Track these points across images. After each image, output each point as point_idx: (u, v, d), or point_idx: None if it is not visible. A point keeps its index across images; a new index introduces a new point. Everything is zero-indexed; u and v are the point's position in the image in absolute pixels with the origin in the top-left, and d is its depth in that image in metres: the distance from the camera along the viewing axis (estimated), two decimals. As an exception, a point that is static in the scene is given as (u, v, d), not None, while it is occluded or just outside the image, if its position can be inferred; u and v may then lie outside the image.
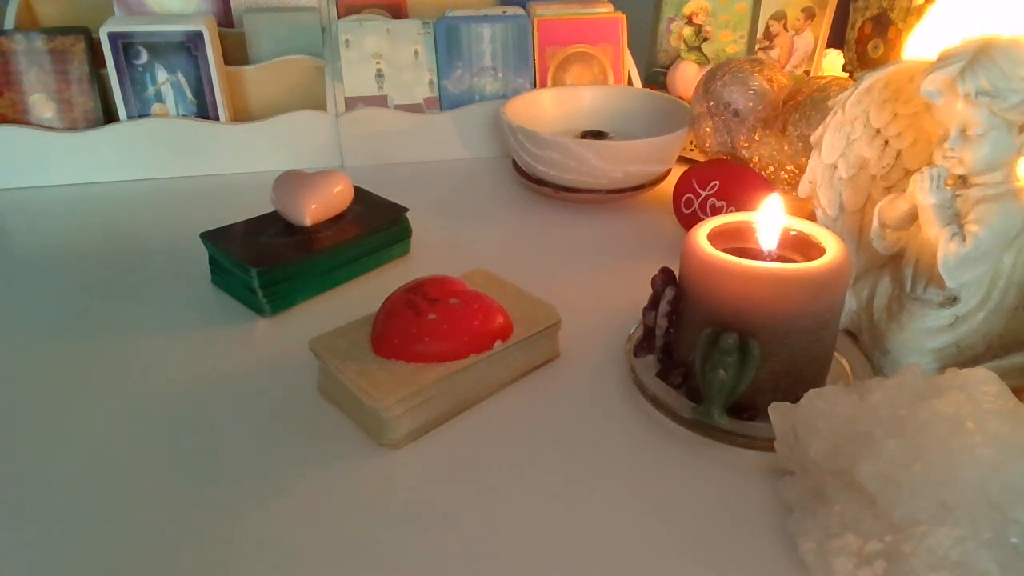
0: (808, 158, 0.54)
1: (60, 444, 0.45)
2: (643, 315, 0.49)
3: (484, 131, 0.88)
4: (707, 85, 0.72)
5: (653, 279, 0.49)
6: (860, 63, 0.97)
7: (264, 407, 0.48)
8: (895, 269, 0.52)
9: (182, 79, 0.80)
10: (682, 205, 0.69)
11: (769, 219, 0.48)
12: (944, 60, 0.45)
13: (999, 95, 0.43)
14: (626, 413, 0.48)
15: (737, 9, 0.93)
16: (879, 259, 0.54)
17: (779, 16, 0.94)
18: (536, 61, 0.88)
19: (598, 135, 0.82)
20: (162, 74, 0.80)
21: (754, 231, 0.48)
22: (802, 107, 0.65)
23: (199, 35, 0.79)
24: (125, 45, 0.78)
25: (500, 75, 0.87)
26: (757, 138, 0.69)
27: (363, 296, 0.60)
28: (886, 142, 0.53)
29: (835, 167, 0.54)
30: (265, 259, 0.57)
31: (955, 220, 0.47)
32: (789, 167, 0.67)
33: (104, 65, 0.78)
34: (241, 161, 0.83)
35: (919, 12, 0.83)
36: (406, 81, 0.86)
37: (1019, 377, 0.46)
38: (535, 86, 0.88)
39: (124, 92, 0.80)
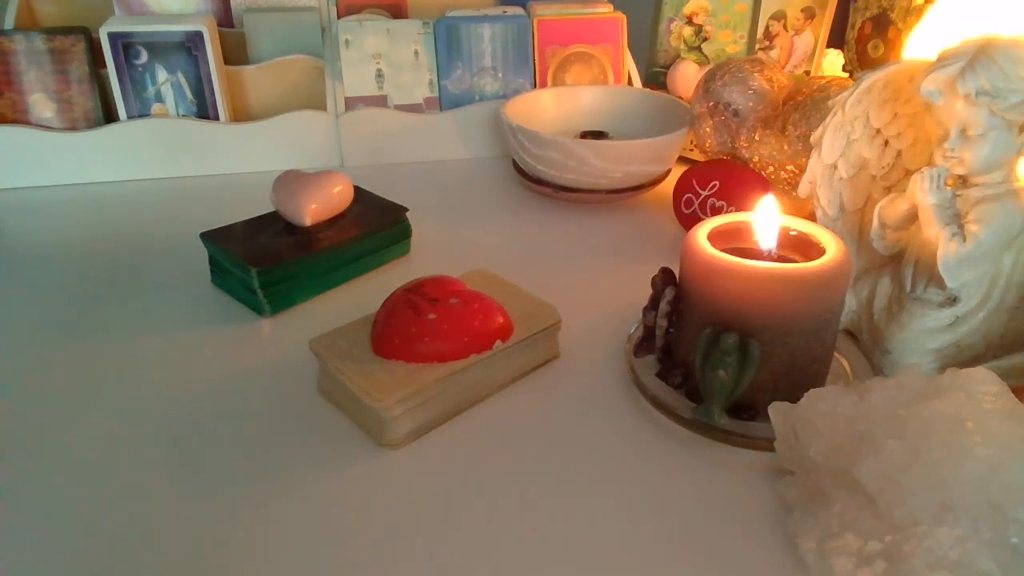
0: (808, 158, 0.54)
1: (60, 444, 0.45)
2: (643, 315, 0.49)
3: (484, 131, 0.88)
4: (707, 85, 0.72)
5: (653, 279, 0.49)
6: (860, 63, 0.97)
7: (264, 407, 0.48)
8: (895, 269, 0.52)
9: (182, 79, 0.80)
10: (682, 205, 0.69)
11: (769, 219, 0.48)
12: (944, 60, 0.45)
13: (999, 95, 0.43)
14: (626, 413, 0.48)
15: (737, 9, 0.93)
16: (879, 259, 0.54)
17: (779, 16, 0.94)
18: (536, 61, 0.88)
19: (598, 135, 0.82)
20: (162, 74, 0.80)
21: (754, 231, 0.48)
22: (802, 107, 0.65)
23: (199, 35, 0.79)
24: (125, 45, 0.78)
25: (500, 75, 0.87)
26: (757, 138, 0.69)
27: (363, 296, 0.60)
28: (886, 142, 0.53)
29: (835, 167, 0.54)
30: (265, 259, 0.57)
31: (955, 220, 0.47)
32: (789, 167, 0.67)
33: (104, 65, 0.78)
34: (241, 161, 0.83)
35: (919, 12, 0.83)
36: (406, 81, 0.86)
37: (1019, 377, 0.46)
38: (535, 86, 0.88)
39: (124, 92, 0.80)
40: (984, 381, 0.38)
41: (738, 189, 0.65)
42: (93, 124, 0.80)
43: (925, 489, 0.34)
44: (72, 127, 0.80)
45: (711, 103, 0.72)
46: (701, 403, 0.45)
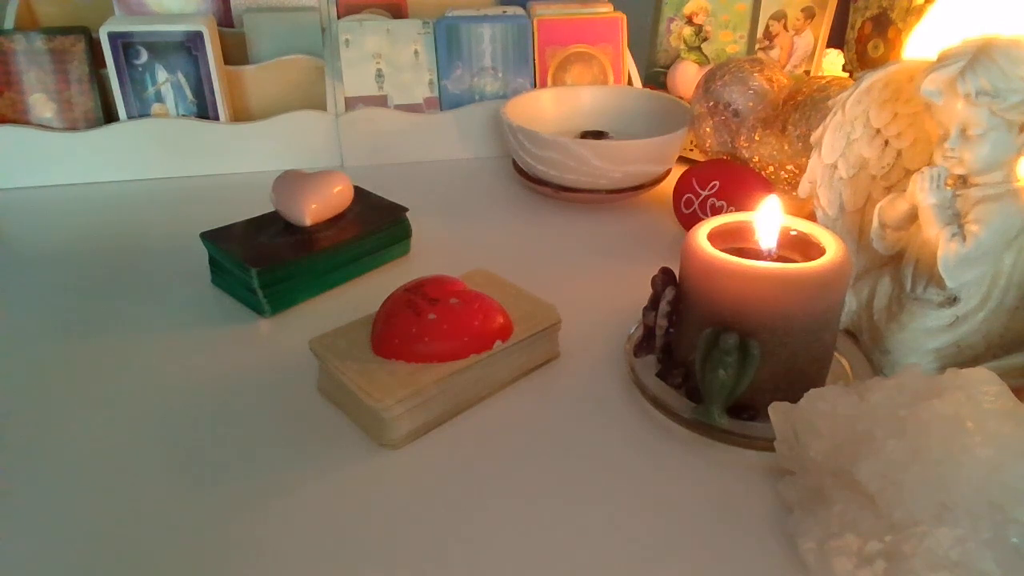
0: (808, 158, 0.54)
1: (59, 444, 0.45)
2: (643, 315, 0.49)
3: (484, 131, 0.87)
4: (707, 85, 0.72)
5: (653, 279, 0.49)
6: (860, 63, 0.97)
7: (264, 407, 0.48)
8: (895, 269, 0.52)
9: (182, 79, 0.80)
10: (682, 205, 0.69)
11: (769, 219, 0.48)
12: (944, 60, 0.45)
13: (999, 95, 0.43)
14: (626, 413, 0.48)
15: (737, 9, 0.93)
16: (879, 259, 0.54)
17: (779, 16, 0.94)
18: (536, 61, 0.88)
19: (598, 135, 0.82)
20: (162, 74, 0.80)
21: (754, 231, 0.48)
22: (802, 107, 0.65)
23: (199, 35, 0.79)
24: (125, 45, 0.78)
25: (500, 75, 0.87)
26: (757, 138, 0.69)
27: (363, 296, 0.60)
28: (886, 142, 0.53)
29: (835, 167, 0.54)
30: (265, 259, 0.57)
31: (955, 220, 0.47)
32: (789, 167, 0.67)
33: (104, 65, 0.78)
34: (241, 161, 0.83)
35: (919, 12, 0.83)
36: (406, 81, 0.86)
37: (1019, 377, 0.46)
38: (535, 86, 0.88)
39: (124, 92, 0.79)
40: (984, 381, 0.38)
41: (738, 189, 0.65)
42: (93, 124, 0.80)
43: (925, 489, 0.34)
44: (72, 127, 0.80)
45: (711, 103, 0.72)
46: (701, 403, 0.45)
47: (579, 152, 0.71)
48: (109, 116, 0.81)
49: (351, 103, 0.85)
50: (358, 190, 0.66)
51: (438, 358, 0.46)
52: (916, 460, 0.35)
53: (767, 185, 0.65)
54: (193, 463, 0.44)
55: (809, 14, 0.95)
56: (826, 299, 0.44)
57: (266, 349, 0.54)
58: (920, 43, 0.66)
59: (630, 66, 0.92)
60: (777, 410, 0.42)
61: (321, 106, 0.84)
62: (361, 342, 0.48)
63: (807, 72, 0.98)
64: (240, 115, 0.86)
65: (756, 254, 0.47)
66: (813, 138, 0.53)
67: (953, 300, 0.48)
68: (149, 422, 0.47)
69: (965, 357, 0.48)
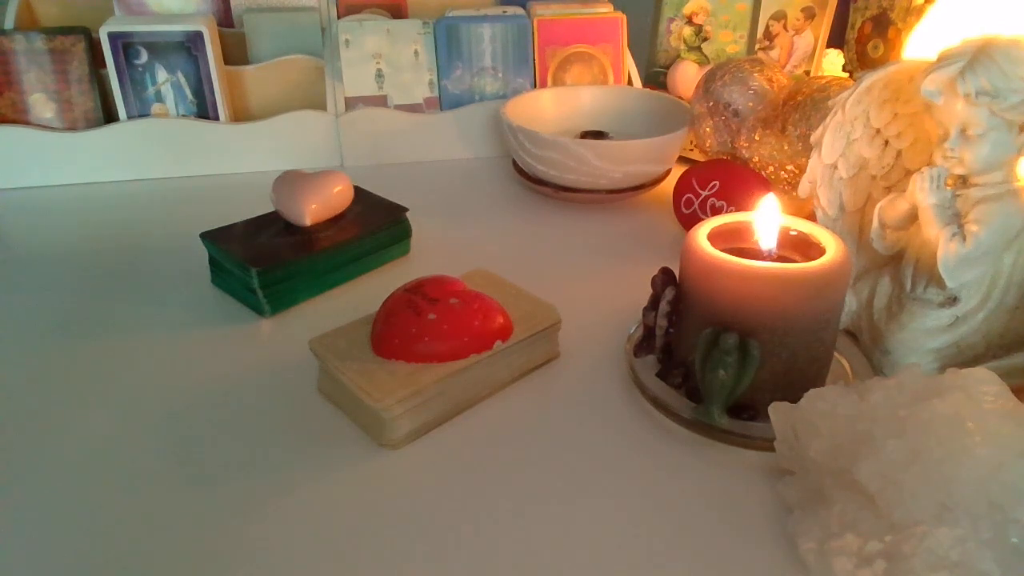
0: (808, 158, 0.54)
1: (59, 443, 0.45)
2: (643, 315, 0.49)
3: (484, 131, 0.87)
4: (707, 85, 0.72)
5: (653, 279, 0.49)
6: (860, 63, 0.97)
7: (264, 407, 0.48)
8: (895, 269, 0.52)
9: (182, 79, 0.80)
10: (682, 205, 0.69)
11: (769, 219, 0.48)
12: (944, 60, 0.45)
13: (999, 95, 0.43)
14: (626, 413, 0.48)
15: (737, 9, 0.93)
16: (879, 259, 0.54)
17: (779, 16, 0.94)
18: (536, 61, 0.88)
19: (598, 135, 0.82)
20: (162, 74, 0.80)
21: (754, 231, 0.48)
22: (802, 107, 0.65)
23: (199, 35, 0.79)
24: (125, 45, 0.78)
25: (500, 75, 0.87)
26: (757, 138, 0.69)
27: (363, 296, 0.60)
28: (886, 142, 0.53)
29: (835, 167, 0.54)
30: (265, 259, 0.57)
31: (955, 220, 0.47)
32: (789, 167, 0.67)
33: (104, 65, 0.78)
34: (241, 161, 0.83)
35: (919, 12, 0.83)
36: (406, 81, 0.86)
37: (1019, 377, 0.46)
38: (535, 86, 0.88)
39: (124, 92, 0.79)
40: (984, 381, 0.38)
41: (738, 189, 0.65)
42: (93, 124, 0.80)
43: (925, 489, 0.34)
44: (72, 127, 0.80)
45: (711, 103, 0.72)
46: (701, 403, 0.45)
47: (579, 152, 0.71)
48: (109, 116, 0.81)
49: (351, 103, 0.85)
50: (358, 190, 0.66)
51: (438, 358, 0.46)
52: (916, 460, 0.35)
53: (767, 185, 0.65)
54: (193, 463, 0.44)
55: (809, 14, 0.95)
56: (826, 299, 0.44)
57: (266, 349, 0.54)
58: (920, 43, 0.66)
59: (630, 66, 0.92)
60: (777, 410, 0.42)
61: (321, 106, 0.84)
62: (361, 342, 0.48)
63: (807, 72, 0.98)
64: (240, 115, 0.86)
65: (756, 254, 0.47)
66: (813, 138, 0.53)
67: (953, 300, 0.48)
68: (149, 422, 0.47)
69: (965, 357, 0.48)
